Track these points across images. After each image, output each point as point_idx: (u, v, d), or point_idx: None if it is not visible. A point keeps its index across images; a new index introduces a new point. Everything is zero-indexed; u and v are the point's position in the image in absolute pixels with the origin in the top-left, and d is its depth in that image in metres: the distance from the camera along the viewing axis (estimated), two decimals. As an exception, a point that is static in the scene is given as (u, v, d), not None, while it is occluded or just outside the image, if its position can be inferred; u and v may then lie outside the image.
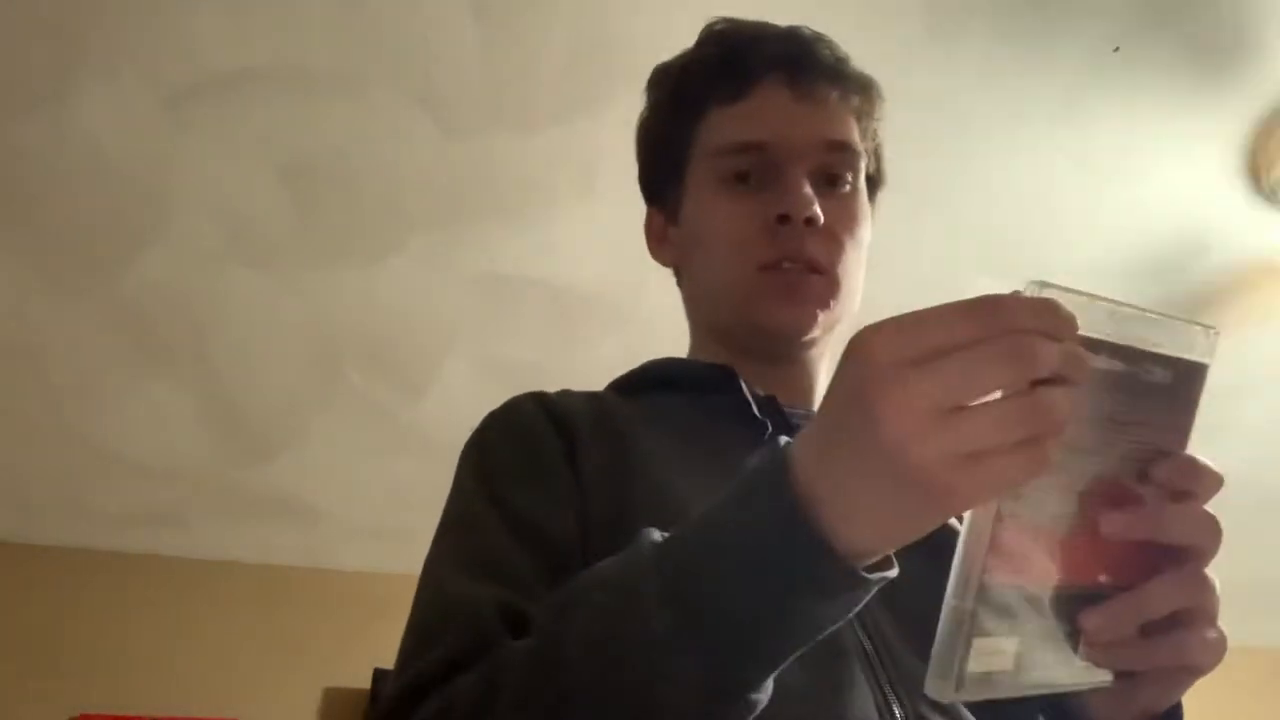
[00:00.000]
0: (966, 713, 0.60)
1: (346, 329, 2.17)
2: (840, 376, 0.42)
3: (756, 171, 0.78)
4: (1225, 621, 0.49)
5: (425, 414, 2.37)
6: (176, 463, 2.50)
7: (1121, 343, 0.45)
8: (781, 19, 0.86)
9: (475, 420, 0.75)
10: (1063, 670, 0.47)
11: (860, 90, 0.83)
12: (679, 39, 0.88)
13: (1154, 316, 0.46)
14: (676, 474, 0.67)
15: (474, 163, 1.83)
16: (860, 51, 0.86)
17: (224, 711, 2.64)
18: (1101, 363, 0.44)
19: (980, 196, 1.92)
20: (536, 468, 0.68)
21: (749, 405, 0.74)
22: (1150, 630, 0.47)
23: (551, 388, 0.78)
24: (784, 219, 0.75)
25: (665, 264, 0.90)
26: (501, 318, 2.16)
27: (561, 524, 0.64)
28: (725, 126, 0.80)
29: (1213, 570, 0.49)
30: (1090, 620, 0.46)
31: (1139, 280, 2.07)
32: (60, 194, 1.85)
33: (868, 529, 0.41)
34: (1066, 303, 0.42)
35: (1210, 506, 0.48)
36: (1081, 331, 0.41)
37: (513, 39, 1.63)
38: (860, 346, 0.40)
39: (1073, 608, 0.46)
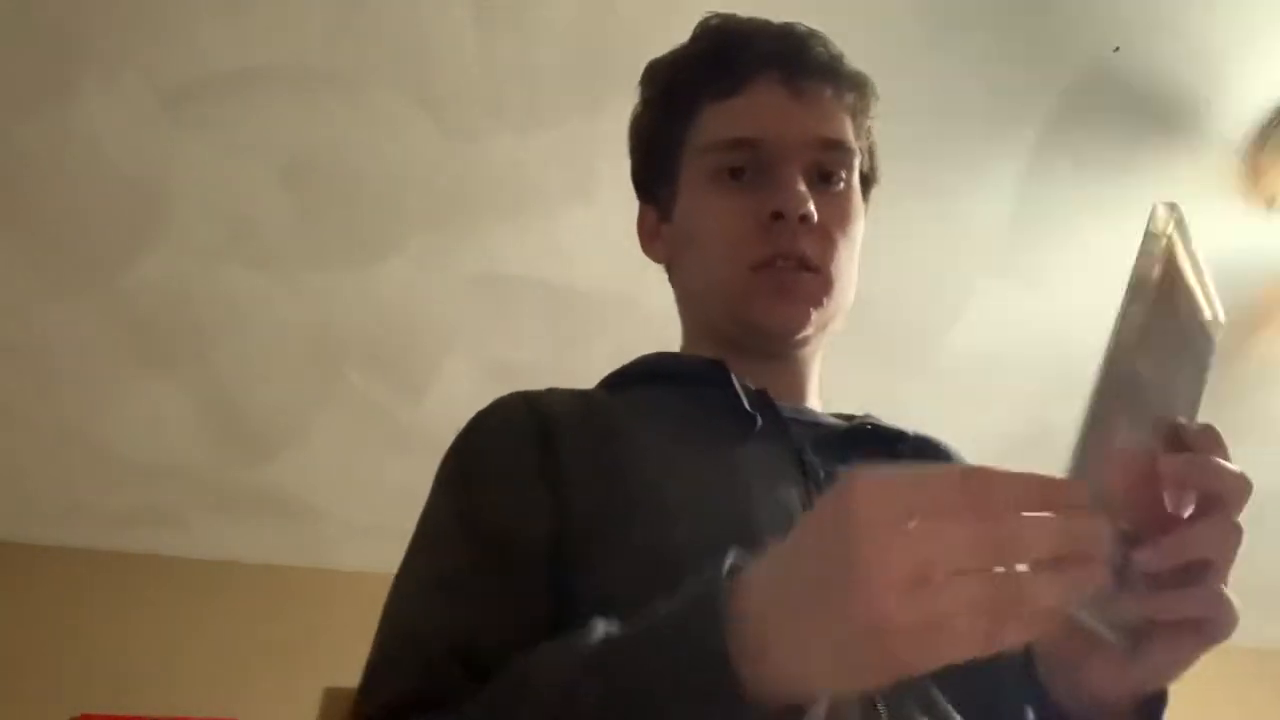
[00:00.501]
0: (953, 711, 0.61)
1: (346, 329, 2.17)
2: (821, 522, 0.41)
3: (750, 168, 0.78)
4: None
5: (425, 414, 2.37)
6: (176, 463, 2.51)
7: (1195, 287, 0.45)
8: (780, 18, 0.86)
9: (474, 420, 0.75)
10: (1109, 609, 0.47)
11: (855, 88, 0.83)
12: (679, 38, 0.88)
13: (1208, 278, 0.46)
14: (668, 471, 0.67)
15: (474, 163, 1.83)
16: (860, 50, 0.85)
17: (224, 711, 2.64)
18: (1182, 303, 0.44)
19: (981, 196, 1.92)
20: (514, 476, 0.68)
21: (740, 399, 0.74)
22: (1179, 581, 0.49)
23: (551, 387, 0.78)
24: (778, 216, 0.75)
25: (658, 261, 0.90)
26: (501, 318, 2.16)
27: (534, 535, 0.64)
28: (719, 122, 0.80)
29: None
30: (1144, 553, 0.47)
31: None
32: (60, 194, 1.85)
33: (803, 670, 0.42)
34: (1172, 228, 0.42)
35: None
36: (1175, 261, 0.43)
37: (513, 40, 1.63)
38: (849, 497, 0.39)
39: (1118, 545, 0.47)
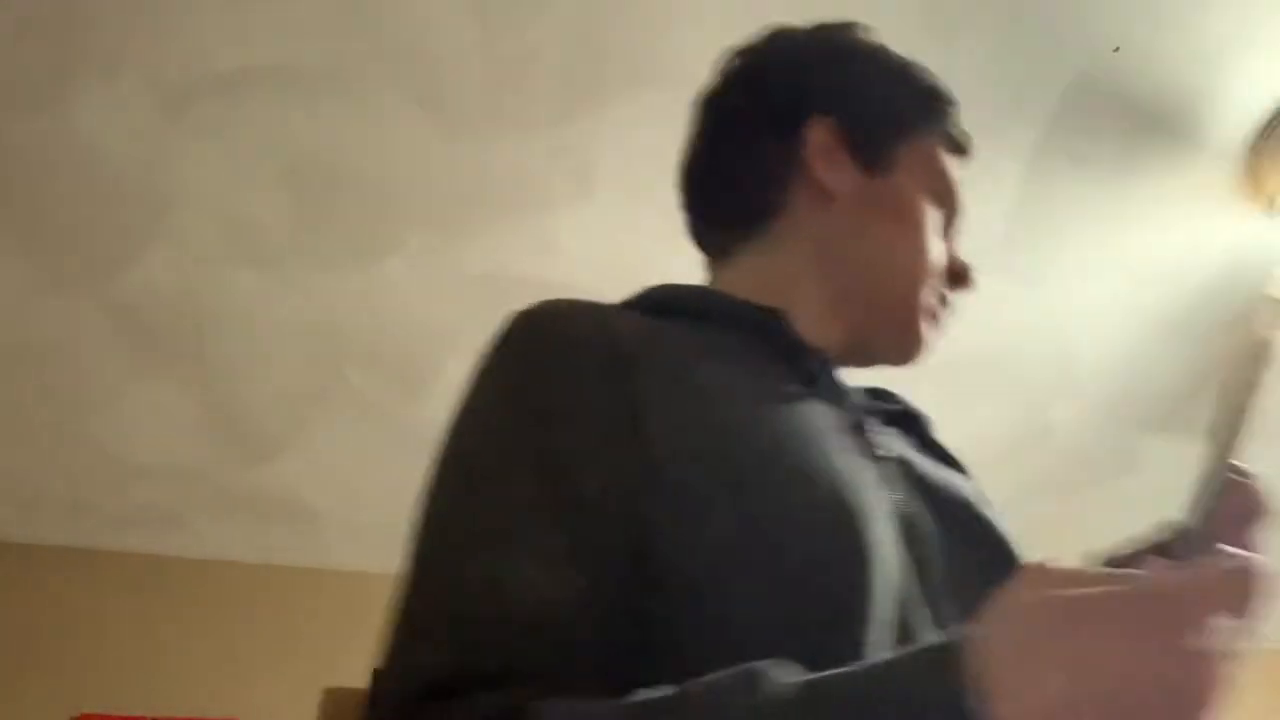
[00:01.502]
0: None
1: (346, 329, 2.17)
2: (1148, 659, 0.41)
3: (949, 223, 0.83)
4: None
5: (425, 414, 2.37)
6: (176, 463, 2.50)
7: None
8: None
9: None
10: None
11: None
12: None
13: None
14: (752, 427, 0.62)
15: (474, 163, 1.83)
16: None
17: (224, 711, 2.64)
18: None
19: (981, 196, 1.92)
20: (596, 419, 0.60)
21: (802, 350, 0.71)
22: None
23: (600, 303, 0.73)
24: (961, 278, 0.81)
25: (825, 181, 0.78)
26: (501, 318, 2.15)
27: (619, 494, 0.57)
28: (949, 163, 0.84)
29: None
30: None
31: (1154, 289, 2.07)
32: (60, 194, 1.85)
33: None
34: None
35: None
36: None
37: (513, 39, 1.63)
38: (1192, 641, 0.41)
39: None
